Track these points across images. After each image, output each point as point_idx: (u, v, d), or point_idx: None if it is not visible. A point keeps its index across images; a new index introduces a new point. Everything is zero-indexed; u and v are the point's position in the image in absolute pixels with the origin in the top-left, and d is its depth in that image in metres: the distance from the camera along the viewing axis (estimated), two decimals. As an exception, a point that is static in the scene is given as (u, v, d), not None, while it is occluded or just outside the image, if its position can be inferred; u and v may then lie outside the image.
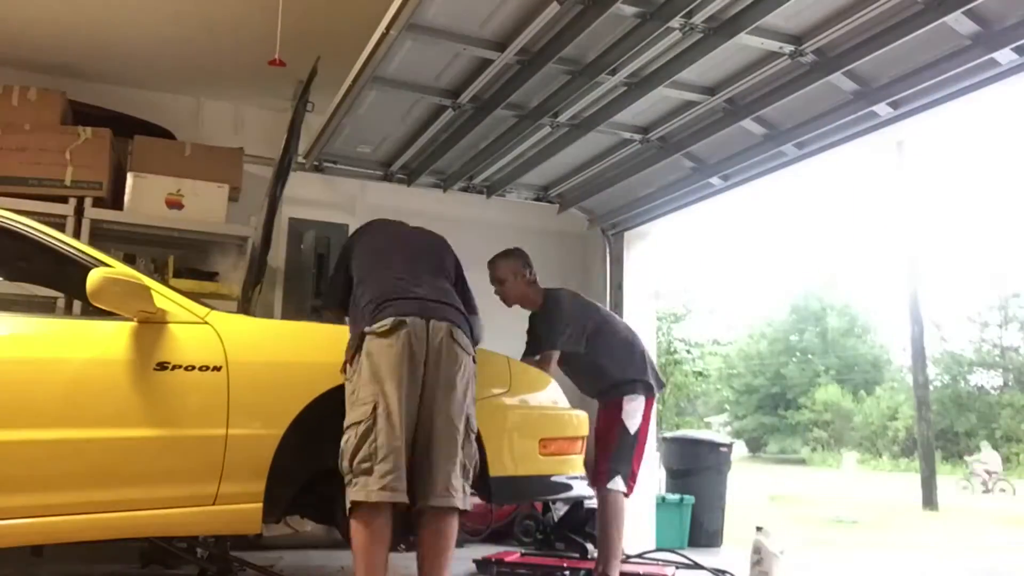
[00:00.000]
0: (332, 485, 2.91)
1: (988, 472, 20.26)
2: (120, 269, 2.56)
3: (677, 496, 5.85)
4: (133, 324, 2.54)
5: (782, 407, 36.67)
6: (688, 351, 21.21)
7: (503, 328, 6.05)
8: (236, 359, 2.60)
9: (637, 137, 4.86)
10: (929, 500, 14.58)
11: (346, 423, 2.58)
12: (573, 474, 3.22)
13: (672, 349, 19.79)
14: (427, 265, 3.07)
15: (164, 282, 3.10)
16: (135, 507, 2.45)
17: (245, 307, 4.20)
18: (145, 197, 4.81)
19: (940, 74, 3.67)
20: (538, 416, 3.19)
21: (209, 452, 2.52)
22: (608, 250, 6.25)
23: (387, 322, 2.64)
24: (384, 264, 2.99)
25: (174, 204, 4.86)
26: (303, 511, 3.32)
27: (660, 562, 4.67)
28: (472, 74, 4.13)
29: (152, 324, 2.56)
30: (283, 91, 5.14)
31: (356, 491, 2.49)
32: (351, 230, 5.78)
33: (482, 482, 2.91)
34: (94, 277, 2.42)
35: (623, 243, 6.19)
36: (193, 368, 2.54)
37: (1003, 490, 19.22)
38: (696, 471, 6.09)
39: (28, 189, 4.58)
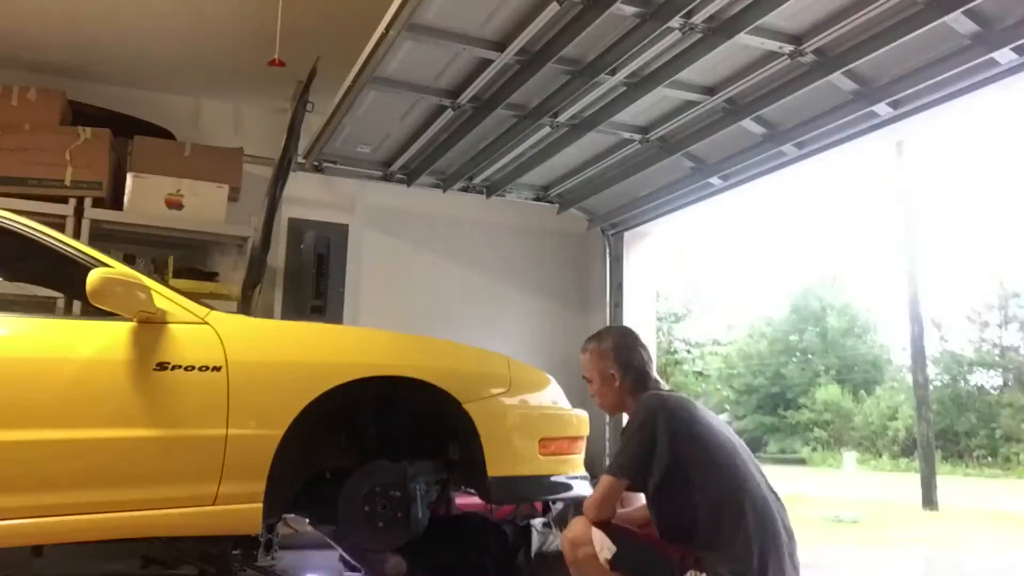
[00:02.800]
0: (332, 485, 2.91)
1: None
2: (120, 269, 2.56)
3: (677, 496, 5.83)
4: (133, 324, 2.54)
5: (782, 407, 36.64)
6: (688, 351, 21.27)
7: (502, 328, 6.08)
8: (236, 359, 2.60)
9: (637, 137, 4.86)
10: (929, 500, 14.57)
11: None
12: (573, 474, 3.21)
13: (673, 349, 19.84)
14: None
15: (164, 282, 3.10)
16: (135, 507, 2.45)
17: (245, 307, 4.21)
18: (145, 197, 4.81)
19: (940, 74, 3.67)
20: (538, 416, 3.18)
21: (209, 452, 2.52)
22: (608, 250, 6.25)
23: None
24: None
25: (174, 204, 4.86)
26: (303, 511, 3.32)
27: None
28: (472, 74, 4.13)
29: (152, 324, 2.56)
30: (283, 91, 5.13)
31: None
32: (351, 230, 5.83)
33: (481, 482, 2.91)
34: (94, 277, 2.42)
35: (623, 243, 6.19)
36: (193, 368, 2.54)
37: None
38: (696, 471, 6.09)
39: (28, 189, 4.58)
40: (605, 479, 2.67)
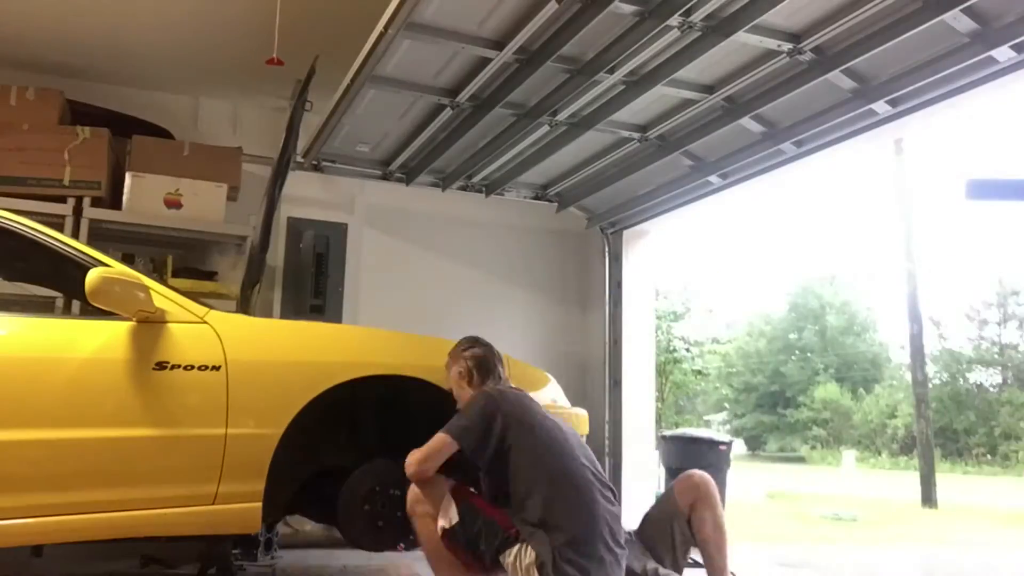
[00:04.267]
0: (332, 484, 2.91)
1: None
2: (119, 269, 2.56)
3: (677, 494, 5.84)
4: (132, 324, 2.54)
5: (781, 405, 36.68)
6: (688, 349, 21.24)
7: (502, 327, 6.07)
8: (235, 358, 2.60)
9: (636, 135, 4.86)
10: (928, 498, 14.58)
11: None
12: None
13: (672, 348, 19.81)
14: None
15: (163, 282, 3.10)
16: (134, 507, 2.45)
17: (244, 306, 4.21)
18: (144, 197, 4.80)
19: (939, 72, 3.67)
20: (537, 415, 3.18)
21: (208, 451, 2.52)
22: (607, 249, 6.25)
23: None
24: None
25: (173, 204, 4.86)
26: (303, 511, 3.33)
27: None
28: (471, 73, 4.13)
29: (151, 324, 2.56)
30: (281, 90, 5.13)
31: None
32: (350, 229, 5.83)
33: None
34: (93, 277, 2.42)
35: (622, 242, 6.19)
36: (192, 367, 2.54)
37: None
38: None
39: (26, 189, 4.58)
40: (439, 436, 2.64)
